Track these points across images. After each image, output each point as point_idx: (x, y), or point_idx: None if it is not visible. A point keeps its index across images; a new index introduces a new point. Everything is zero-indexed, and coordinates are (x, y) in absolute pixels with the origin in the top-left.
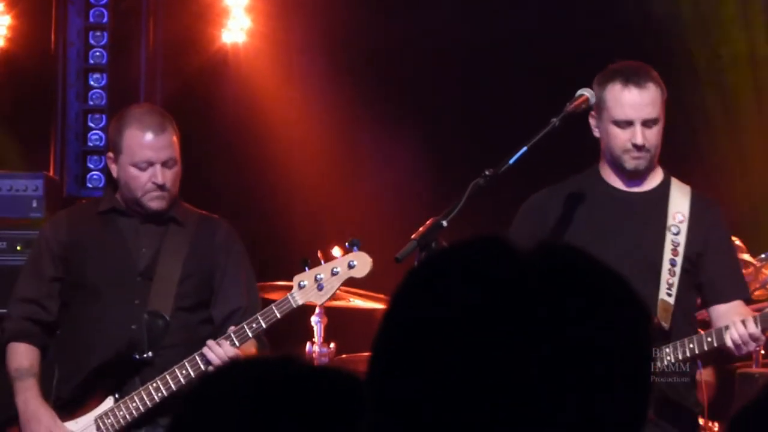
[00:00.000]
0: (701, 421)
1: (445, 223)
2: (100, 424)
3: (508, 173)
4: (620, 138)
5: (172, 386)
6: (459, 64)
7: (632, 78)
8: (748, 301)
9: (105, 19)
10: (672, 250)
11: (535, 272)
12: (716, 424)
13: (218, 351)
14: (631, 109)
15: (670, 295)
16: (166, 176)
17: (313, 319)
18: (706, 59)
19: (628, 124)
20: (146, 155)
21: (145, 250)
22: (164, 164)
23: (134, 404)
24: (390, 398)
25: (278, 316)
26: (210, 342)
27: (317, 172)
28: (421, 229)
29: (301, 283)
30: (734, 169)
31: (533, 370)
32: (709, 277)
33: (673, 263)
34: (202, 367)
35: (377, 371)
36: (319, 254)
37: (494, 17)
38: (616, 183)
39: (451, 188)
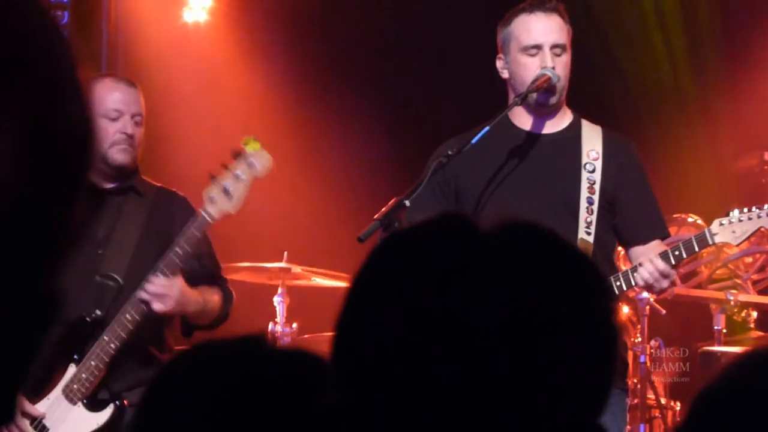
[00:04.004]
0: (663, 401)
1: (407, 203)
2: (68, 392)
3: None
4: (530, 67)
5: (122, 334)
6: (422, 41)
7: (537, 6)
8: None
9: None
10: (588, 188)
11: (498, 252)
12: (678, 404)
13: (151, 288)
14: (539, 33)
15: (589, 233)
16: (135, 130)
17: (276, 299)
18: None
19: (536, 48)
20: (117, 104)
21: (103, 219)
22: (133, 117)
23: (93, 363)
24: (354, 377)
25: (197, 234)
26: (144, 284)
27: (278, 150)
28: (383, 209)
29: (212, 196)
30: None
31: (496, 354)
32: (626, 217)
33: (590, 201)
34: (144, 307)
35: (341, 350)
36: (222, 165)
37: None
38: (527, 125)
39: (414, 168)
